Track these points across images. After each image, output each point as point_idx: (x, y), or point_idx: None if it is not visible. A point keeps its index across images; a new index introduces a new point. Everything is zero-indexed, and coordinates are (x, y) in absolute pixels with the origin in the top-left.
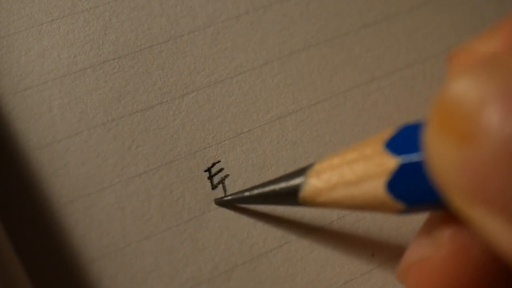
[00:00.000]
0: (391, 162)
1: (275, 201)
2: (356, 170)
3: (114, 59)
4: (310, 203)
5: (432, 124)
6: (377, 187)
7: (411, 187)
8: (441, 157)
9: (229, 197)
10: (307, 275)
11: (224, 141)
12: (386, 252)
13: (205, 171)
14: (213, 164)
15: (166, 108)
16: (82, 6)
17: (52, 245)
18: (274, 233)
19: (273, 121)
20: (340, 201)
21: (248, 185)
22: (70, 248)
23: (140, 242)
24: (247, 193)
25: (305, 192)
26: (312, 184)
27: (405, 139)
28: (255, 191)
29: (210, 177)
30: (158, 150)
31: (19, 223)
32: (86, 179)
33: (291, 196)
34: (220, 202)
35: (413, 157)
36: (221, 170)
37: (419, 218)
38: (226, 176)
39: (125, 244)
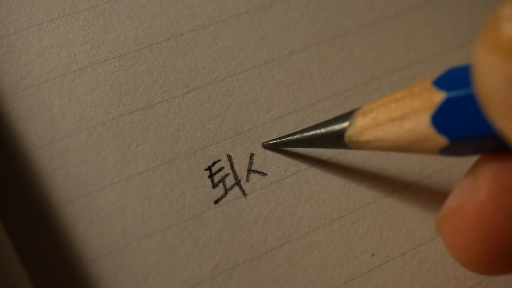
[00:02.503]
0: (438, 96)
1: (321, 144)
2: (402, 106)
3: (114, 58)
4: (355, 142)
5: (482, 43)
6: (422, 121)
7: (455, 121)
8: (489, 73)
9: (276, 140)
10: (307, 275)
11: (225, 140)
12: (386, 252)
13: (206, 169)
14: (214, 163)
15: (167, 107)
16: (82, 5)
17: (52, 244)
18: (274, 232)
19: (274, 120)
20: (384, 139)
21: (247, 184)
22: (70, 247)
23: (140, 241)
24: (293, 136)
25: (351, 130)
26: (358, 122)
27: (452, 78)
28: (302, 134)
29: (211, 176)
30: (158, 148)
31: (19, 222)
32: (86, 178)
33: (337, 137)
34: (267, 145)
35: (459, 92)
36: (221, 169)
37: (419, 219)
38: (227, 175)
39: (126, 243)
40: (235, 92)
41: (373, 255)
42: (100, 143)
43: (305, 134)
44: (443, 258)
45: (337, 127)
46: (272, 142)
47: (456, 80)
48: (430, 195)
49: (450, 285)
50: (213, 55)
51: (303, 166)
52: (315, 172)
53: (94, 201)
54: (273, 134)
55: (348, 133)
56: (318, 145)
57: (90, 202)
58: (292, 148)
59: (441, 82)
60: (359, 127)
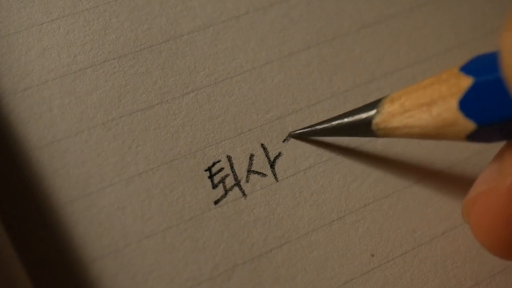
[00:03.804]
0: (465, 81)
1: (349, 132)
2: (430, 92)
3: (114, 58)
4: (382, 129)
5: (509, 26)
6: (449, 106)
7: (483, 106)
8: None
9: (304, 130)
10: (307, 275)
11: (224, 140)
12: (386, 253)
13: (206, 170)
14: (214, 164)
15: (166, 108)
16: (82, 6)
17: (52, 245)
18: (274, 233)
19: (273, 121)
20: (412, 125)
21: (247, 185)
22: (70, 248)
23: (140, 241)
24: (321, 125)
25: (379, 117)
26: (386, 108)
27: (480, 63)
28: (330, 123)
29: (211, 177)
30: (158, 149)
31: (19, 223)
32: (86, 178)
33: (365, 125)
34: (295, 135)
35: (487, 77)
36: (221, 169)
37: (419, 219)
38: (227, 175)
39: (125, 244)
40: (235, 93)
41: (372, 255)
42: (100, 144)
43: (333, 123)
44: (443, 258)
45: (364, 115)
46: (299, 131)
47: (483, 65)
48: (429, 196)
49: (450, 285)
50: (212, 56)
51: (302, 166)
52: (314, 173)
53: (94, 202)
54: (273, 134)
55: (376, 120)
56: (346, 133)
57: (90, 202)
58: (320, 138)
59: (468, 68)
60: (387, 113)
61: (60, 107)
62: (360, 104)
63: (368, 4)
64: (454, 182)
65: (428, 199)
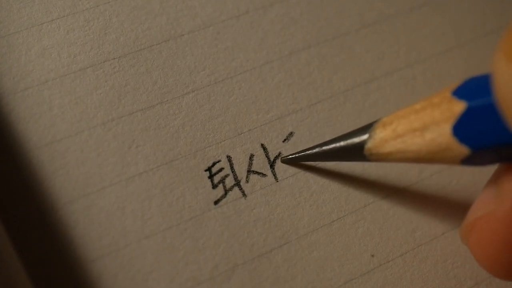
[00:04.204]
0: (458, 106)
1: (341, 157)
2: (423, 116)
3: (114, 58)
4: (375, 155)
5: (501, 50)
6: (443, 131)
7: (477, 131)
8: (508, 80)
9: (295, 155)
10: (307, 275)
11: (224, 140)
12: (386, 253)
13: (206, 170)
14: (214, 164)
15: (166, 108)
16: (82, 5)
17: (52, 245)
18: (274, 233)
19: (273, 120)
20: (405, 150)
21: (247, 185)
22: (70, 248)
23: (140, 241)
24: (313, 150)
25: (371, 143)
26: (378, 134)
27: (472, 87)
28: (322, 148)
29: (211, 177)
30: (158, 149)
31: (19, 223)
32: (86, 178)
33: (357, 150)
34: (286, 160)
35: (480, 101)
36: (221, 169)
37: (419, 219)
38: (227, 175)
39: (125, 244)
40: (235, 93)
41: (372, 255)
42: (100, 144)
43: (324, 147)
44: (443, 258)
45: (356, 139)
46: (291, 156)
47: (476, 89)
48: (429, 196)
49: (450, 285)
50: (212, 56)
51: (302, 166)
52: (314, 173)
53: (94, 202)
54: (273, 134)
55: (368, 145)
56: (338, 158)
57: (90, 202)
58: (311, 162)
59: (460, 92)
60: (379, 139)
61: (60, 107)
62: (360, 104)
63: (368, 4)
64: (455, 182)
65: (428, 199)
